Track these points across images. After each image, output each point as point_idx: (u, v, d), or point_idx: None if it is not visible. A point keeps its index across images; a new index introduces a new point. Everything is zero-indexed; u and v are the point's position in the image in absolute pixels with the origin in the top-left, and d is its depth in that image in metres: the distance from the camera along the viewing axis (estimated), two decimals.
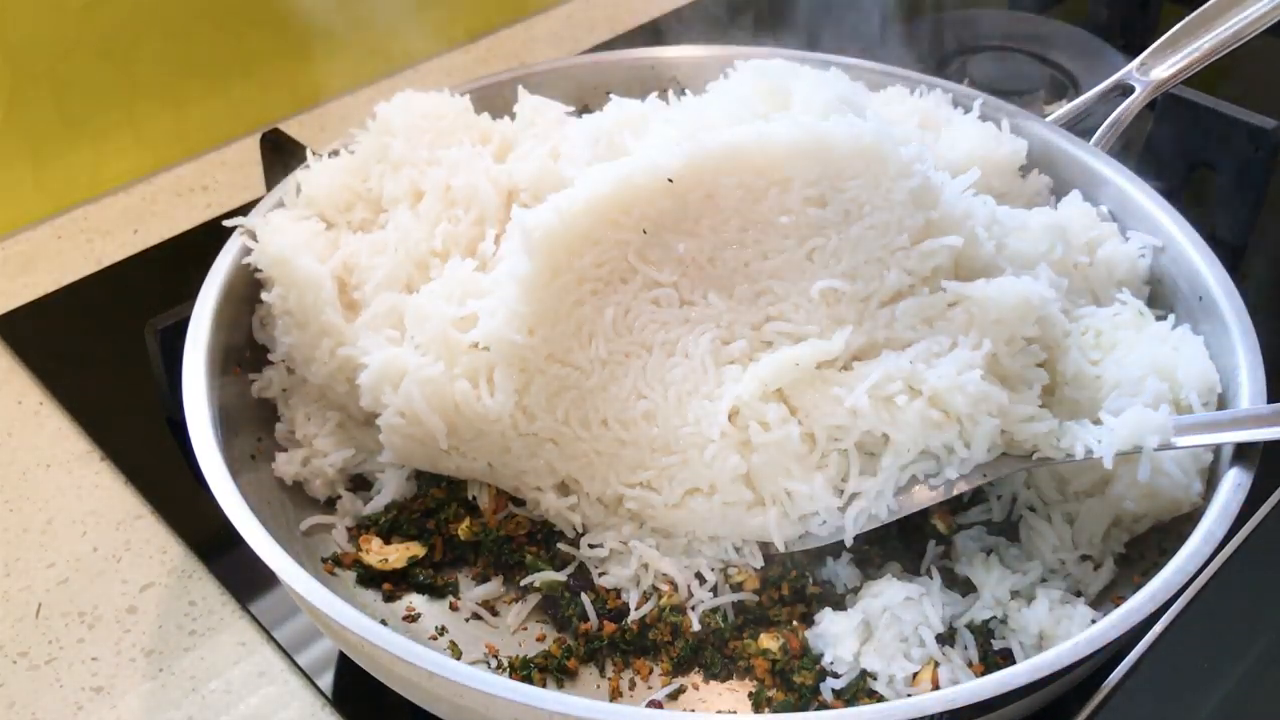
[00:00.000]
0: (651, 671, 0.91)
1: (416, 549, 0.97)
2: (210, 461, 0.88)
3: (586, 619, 0.92)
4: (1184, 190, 1.30)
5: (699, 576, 0.92)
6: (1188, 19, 1.18)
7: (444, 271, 0.99)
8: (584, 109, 1.22)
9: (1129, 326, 0.97)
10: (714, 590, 0.92)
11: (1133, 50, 1.21)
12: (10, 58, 1.28)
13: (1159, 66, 1.17)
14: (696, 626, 0.90)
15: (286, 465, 1.00)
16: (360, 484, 1.03)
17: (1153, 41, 1.18)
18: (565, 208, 0.90)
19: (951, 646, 0.88)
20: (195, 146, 1.46)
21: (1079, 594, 0.91)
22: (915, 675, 0.86)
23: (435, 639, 0.94)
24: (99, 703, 0.94)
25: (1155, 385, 0.90)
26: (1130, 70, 1.17)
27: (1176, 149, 1.31)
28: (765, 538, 0.90)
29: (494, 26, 1.70)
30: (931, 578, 0.91)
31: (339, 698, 0.94)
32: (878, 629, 0.87)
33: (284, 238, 1.01)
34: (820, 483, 0.88)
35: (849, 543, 0.89)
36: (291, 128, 1.37)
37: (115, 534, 1.06)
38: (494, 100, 1.18)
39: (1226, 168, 1.30)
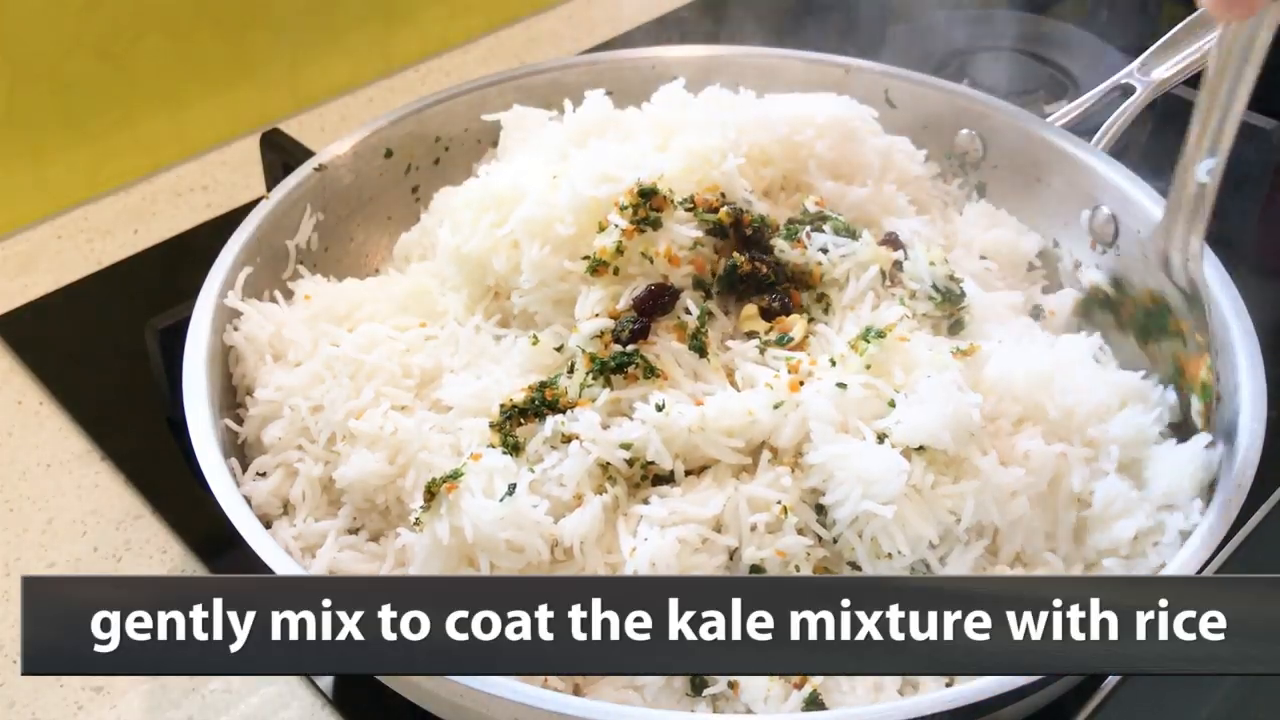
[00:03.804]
0: None
1: None
2: (210, 461, 0.87)
3: None
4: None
5: None
6: (1188, 19, 1.18)
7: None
8: None
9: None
10: None
11: (1133, 50, 1.21)
12: (10, 58, 1.28)
13: (1160, 67, 1.17)
14: None
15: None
16: None
17: (1153, 42, 1.18)
18: None
19: None
20: (195, 146, 1.46)
21: None
22: None
23: None
24: (99, 702, 0.94)
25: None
26: (1131, 70, 1.17)
27: (1176, 149, 1.31)
28: None
29: (494, 26, 1.70)
30: None
31: (339, 698, 0.94)
32: None
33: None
34: None
35: None
36: (291, 128, 1.37)
37: (115, 534, 1.06)
38: (494, 102, 1.18)
39: (1226, 168, 1.30)
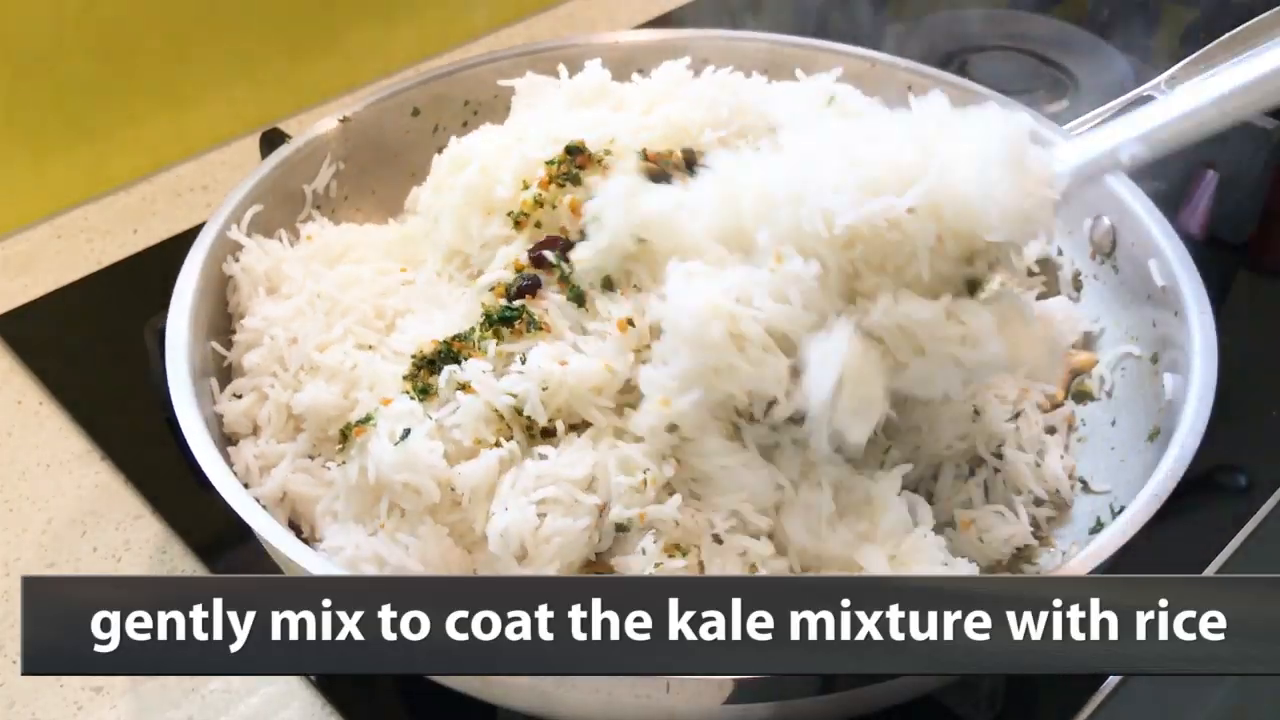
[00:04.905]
0: None
1: None
2: (178, 375, 0.91)
3: None
4: (1184, 190, 1.30)
5: None
6: (1227, 36, 1.15)
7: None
8: None
9: None
10: None
11: (1133, 51, 1.21)
12: (10, 58, 1.28)
13: (1188, 81, 1.14)
14: None
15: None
16: None
17: (1153, 41, 1.17)
18: None
19: None
20: (195, 146, 1.46)
21: None
22: None
23: None
24: (99, 702, 0.94)
25: None
26: (1158, 83, 1.15)
27: (1179, 160, 1.31)
28: None
29: (494, 26, 1.70)
30: None
31: (339, 698, 0.94)
32: None
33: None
34: None
35: None
36: (291, 127, 1.37)
37: (115, 534, 1.06)
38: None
39: (1226, 168, 1.30)
